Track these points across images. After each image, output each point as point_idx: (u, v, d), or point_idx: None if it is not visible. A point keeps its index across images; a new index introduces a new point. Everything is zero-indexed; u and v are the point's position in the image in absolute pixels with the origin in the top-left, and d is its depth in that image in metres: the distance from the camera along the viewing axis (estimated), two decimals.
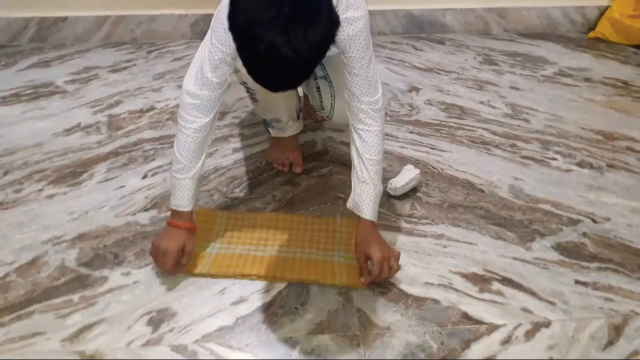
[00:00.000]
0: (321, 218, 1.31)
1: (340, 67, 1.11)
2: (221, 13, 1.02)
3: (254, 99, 1.34)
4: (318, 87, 1.32)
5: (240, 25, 0.83)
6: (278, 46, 0.79)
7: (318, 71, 1.30)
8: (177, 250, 1.10)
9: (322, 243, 1.23)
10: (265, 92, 1.23)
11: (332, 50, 1.03)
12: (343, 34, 1.02)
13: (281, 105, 1.38)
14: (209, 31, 1.07)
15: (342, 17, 0.98)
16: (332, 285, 1.14)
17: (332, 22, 0.86)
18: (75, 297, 1.09)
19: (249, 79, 1.17)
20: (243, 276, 1.15)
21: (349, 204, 1.16)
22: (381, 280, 1.13)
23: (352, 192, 1.14)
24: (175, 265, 1.11)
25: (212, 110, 1.10)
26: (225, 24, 0.98)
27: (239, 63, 1.10)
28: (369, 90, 1.09)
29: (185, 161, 1.10)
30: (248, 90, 1.30)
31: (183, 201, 1.13)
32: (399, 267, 1.16)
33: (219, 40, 1.04)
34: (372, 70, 1.09)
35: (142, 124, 1.65)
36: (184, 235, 1.12)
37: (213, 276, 1.15)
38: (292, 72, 0.86)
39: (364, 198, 1.12)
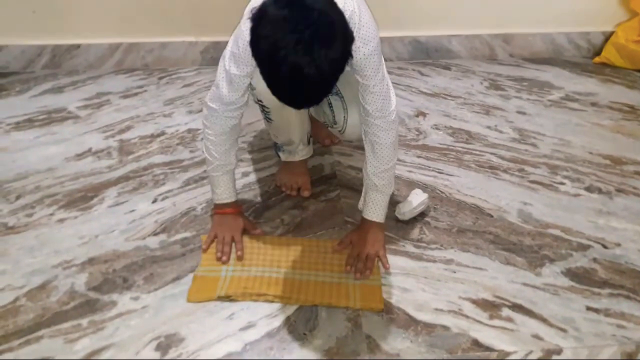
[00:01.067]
0: (334, 241, 1.31)
1: (350, 81, 1.15)
2: (238, 36, 1.08)
3: (268, 119, 1.35)
4: (330, 104, 1.35)
5: (264, 51, 0.89)
6: (302, 67, 0.84)
7: None
8: (241, 236, 1.28)
9: (336, 265, 1.24)
10: (279, 112, 1.27)
11: (346, 69, 1.07)
12: (359, 53, 1.06)
13: (295, 125, 1.38)
14: (227, 49, 1.13)
15: (355, 35, 1.01)
16: (346, 307, 1.14)
17: (348, 38, 0.92)
18: (84, 322, 1.09)
19: (264, 97, 1.22)
20: (259, 296, 1.15)
21: (359, 205, 1.32)
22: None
23: (362, 194, 1.29)
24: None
25: (231, 119, 1.19)
26: (240, 45, 1.06)
27: (255, 81, 1.15)
28: (383, 106, 1.14)
29: (217, 161, 1.24)
30: (263, 109, 1.31)
31: (226, 194, 1.29)
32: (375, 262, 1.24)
33: (233, 60, 1.11)
34: (385, 85, 1.14)
35: (152, 149, 1.67)
36: (238, 218, 1.30)
37: (231, 297, 1.15)
38: (315, 90, 0.91)
39: (367, 202, 1.26)
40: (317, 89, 0.91)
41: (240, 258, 1.24)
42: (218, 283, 1.18)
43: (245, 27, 1.05)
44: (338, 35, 0.89)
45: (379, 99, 1.13)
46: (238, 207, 1.33)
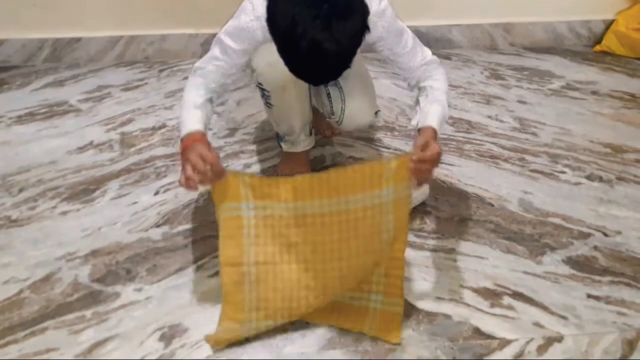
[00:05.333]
0: (363, 167, 1.03)
1: (350, 73, 1.14)
2: (240, 12, 1.10)
3: (268, 104, 1.31)
4: (328, 94, 1.34)
5: (282, 27, 0.89)
6: (321, 42, 0.85)
7: None
8: (210, 152, 0.99)
9: (362, 283, 1.09)
10: (280, 96, 1.27)
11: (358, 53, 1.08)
12: (378, 27, 1.08)
13: (296, 111, 1.34)
14: (224, 27, 1.14)
15: (371, 11, 1.01)
16: (361, 332, 1.06)
17: (365, 11, 0.93)
18: (88, 313, 1.10)
19: (264, 80, 1.22)
20: (283, 318, 1.06)
21: (413, 122, 1.15)
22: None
23: (414, 116, 1.16)
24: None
25: (210, 90, 1.13)
26: (242, 23, 1.07)
27: (255, 63, 1.15)
28: (422, 56, 1.18)
29: (187, 105, 1.11)
30: (263, 94, 1.28)
31: (192, 124, 1.06)
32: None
33: (230, 34, 1.11)
34: (412, 40, 1.17)
35: (154, 142, 1.68)
36: (205, 143, 1.03)
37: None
38: (334, 65, 0.92)
39: (424, 112, 1.12)
40: (336, 63, 0.92)
41: (217, 173, 1.01)
42: (243, 230, 1.04)
43: (249, 4, 1.06)
44: (355, 9, 0.90)
45: (414, 54, 1.17)
46: (205, 137, 1.08)
